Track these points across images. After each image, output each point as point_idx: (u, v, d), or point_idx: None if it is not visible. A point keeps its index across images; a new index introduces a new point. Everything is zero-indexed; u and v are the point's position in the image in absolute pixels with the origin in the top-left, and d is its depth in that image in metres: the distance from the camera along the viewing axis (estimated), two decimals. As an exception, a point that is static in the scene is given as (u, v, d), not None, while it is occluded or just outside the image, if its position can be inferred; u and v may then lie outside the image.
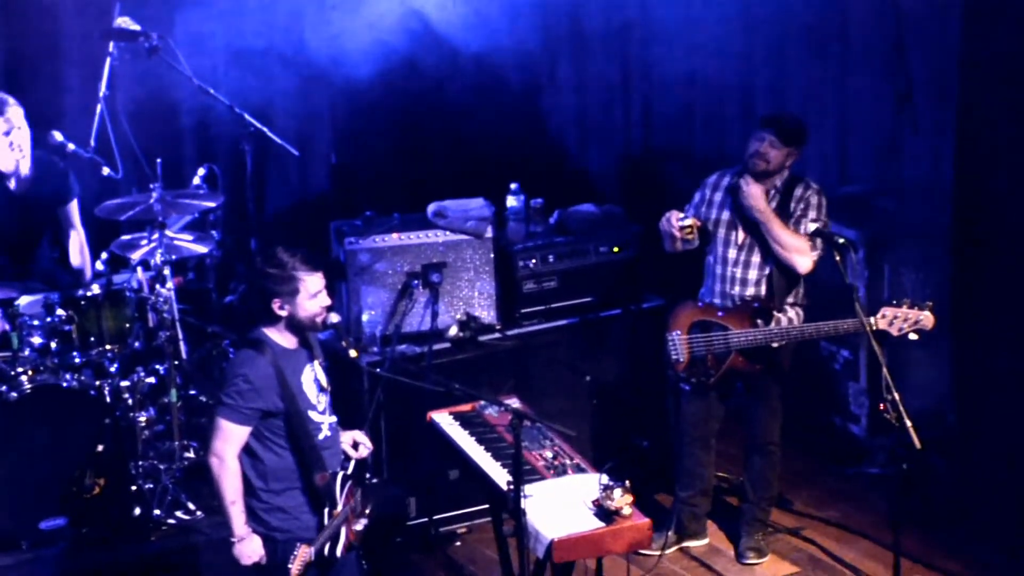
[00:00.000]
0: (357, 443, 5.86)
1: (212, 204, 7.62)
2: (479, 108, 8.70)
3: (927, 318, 6.54)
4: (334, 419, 5.76)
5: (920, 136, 8.15)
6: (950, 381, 7.86)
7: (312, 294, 5.57)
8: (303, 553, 5.50)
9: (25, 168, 7.25)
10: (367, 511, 5.77)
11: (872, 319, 6.51)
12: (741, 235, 6.91)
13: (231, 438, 5.51)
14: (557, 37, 8.75)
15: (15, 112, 7.15)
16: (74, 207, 7.52)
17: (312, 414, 5.63)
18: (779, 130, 6.80)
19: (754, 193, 6.80)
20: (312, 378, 5.67)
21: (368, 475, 6.84)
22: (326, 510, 5.60)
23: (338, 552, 5.62)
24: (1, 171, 7.23)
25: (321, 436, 5.65)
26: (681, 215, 6.85)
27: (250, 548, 5.54)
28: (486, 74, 8.42)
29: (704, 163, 7.54)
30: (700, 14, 8.41)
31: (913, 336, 6.56)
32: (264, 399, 5.51)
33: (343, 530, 5.63)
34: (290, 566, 5.48)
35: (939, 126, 8.01)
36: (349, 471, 5.71)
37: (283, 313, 5.58)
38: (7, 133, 7.13)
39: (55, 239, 7.59)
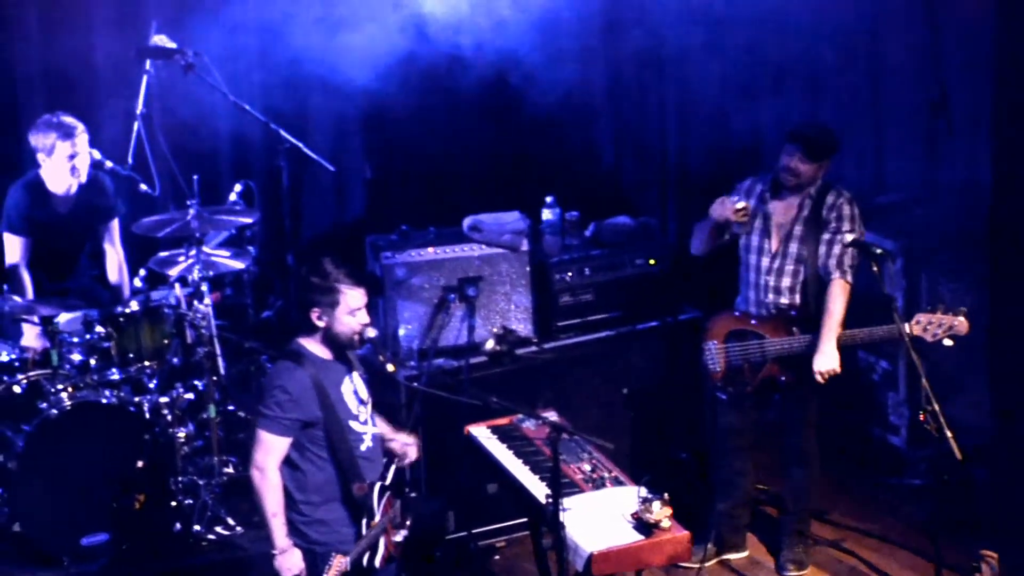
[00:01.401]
0: (406, 447, 5.84)
1: (249, 220, 7.68)
2: (514, 121, 8.71)
3: (961, 323, 6.51)
4: (377, 430, 5.76)
5: (956, 142, 8.11)
6: (989, 391, 7.80)
7: (351, 309, 5.58)
8: (338, 563, 5.49)
9: (75, 188, 7.34)
10: (407, 522, 5.77)
11: (906, 325, 6.48)
12: (774, 243, 6.89)
13: (272, 450, 5.53)
14: (591, 49, 8.74)
15: (82, 139, 7.28)
16: (115, 225, 7.61)
17: (353, 424, 5.64)
18: (806, 146, 6.78)
19: (825, 365, 6.71)
20: (352, 390, 5.68)
21: (407, 489, 6.84)
22: (364, 520, 5.61)
23: (376, 563, 5.63)
24: (53, 191, 7.32)
25: (363, 447, 5.65)
26: (735, 197, 6.83)
27: (290, 561, 5.55)
28: (520, 87, 8.42)
29: (740, 172, 7.50)
30: (733, 22, 8.39)
31: (948, 342, 6.52)
32: (303, 409, 5.52)
33: (382, 541, 5.63)
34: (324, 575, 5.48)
35: (975, 132, 7.96)
36: (387, 482, 5.72)
37: (320, 324, 5.59)
38: (71, 157, 7.25)
39: (94, 256, 7.65)
